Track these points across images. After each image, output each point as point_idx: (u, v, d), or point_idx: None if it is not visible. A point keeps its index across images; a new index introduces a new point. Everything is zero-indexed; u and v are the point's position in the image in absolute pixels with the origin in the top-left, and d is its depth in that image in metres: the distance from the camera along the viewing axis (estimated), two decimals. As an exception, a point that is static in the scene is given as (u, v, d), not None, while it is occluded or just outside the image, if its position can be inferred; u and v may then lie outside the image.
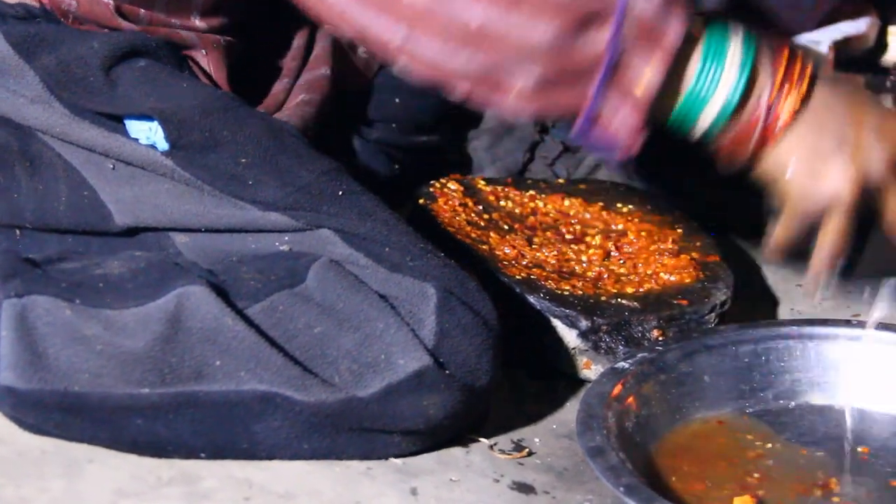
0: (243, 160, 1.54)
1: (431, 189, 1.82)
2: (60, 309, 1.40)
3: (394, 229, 1.52)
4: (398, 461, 1.46)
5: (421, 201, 1.79)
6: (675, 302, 1.66)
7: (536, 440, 1.53)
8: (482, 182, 1.88)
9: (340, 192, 1.54)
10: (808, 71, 1.38)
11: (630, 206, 1.86)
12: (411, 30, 1.36)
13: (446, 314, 1.44)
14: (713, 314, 1.68)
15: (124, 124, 1.56)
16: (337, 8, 1.40)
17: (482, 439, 1.51)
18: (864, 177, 1.37)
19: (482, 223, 1.78)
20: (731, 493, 1.41)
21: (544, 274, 1.70)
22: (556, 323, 1.62)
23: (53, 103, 1.57)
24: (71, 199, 1.59)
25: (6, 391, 1.39)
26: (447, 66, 1.38)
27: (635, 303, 1.65)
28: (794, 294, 1.85)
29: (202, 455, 1.42)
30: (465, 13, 1.33)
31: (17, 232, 1.63)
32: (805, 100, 1.37)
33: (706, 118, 1.40)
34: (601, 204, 1.86)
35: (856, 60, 2.25)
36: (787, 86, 1.37)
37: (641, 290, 1.70)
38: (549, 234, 1.80)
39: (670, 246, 1.78)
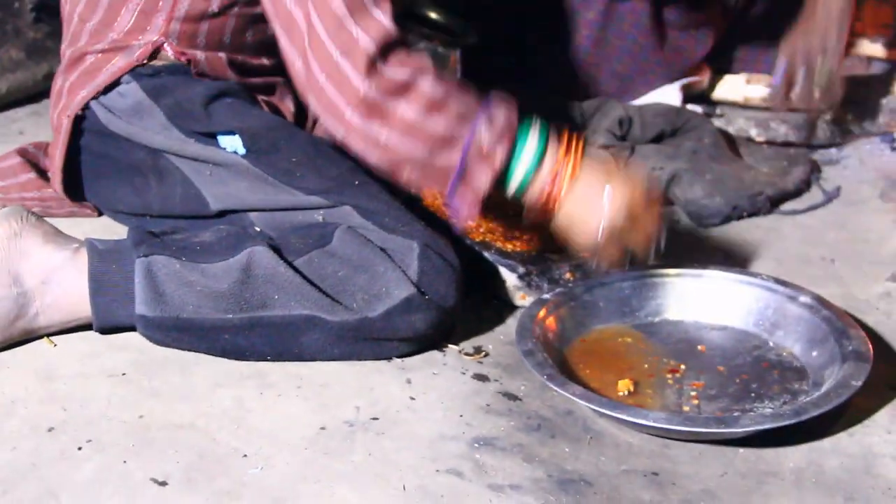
0: (294, 160, 1.55)
1: None
2: (173, 264, 1.44)
3: (391, 206, 1.53)
4: (398, 361, 1.49)
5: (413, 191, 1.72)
6: (580, 254, 1.63)
7: (490, 346, 1.55)
8: None
9: (357, 182, 1.55)
10: (579, 151, 1.45)
11: None
12: (346, 133, 1.44)
13: (425, 260, 1.47)
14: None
15: (217, 139, 1.58)
16: (310, 102, 1.47)
17: (452, 346, 1.54)
18: (616, 220, 1.45)
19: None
20: (616, 377, 1.46)
21: (494, 237, 1.70)
22: (503, 269, 1.64)
23: (172, 129, 1.59)
24: (183, 195, 1.62)
25: (140, 318, 1.43)
26: (367, 158, 1.46)
27: (555, 256, 1.66)
28: (657, 247, 1.88)
29: (268, 358, 1.46)
30: (378, 134, 1.42)
31: (147, 218, 1.67)
32: (578, 171, 1.45)
33: (513, 185, 1.47)
34: None
35: (697, 97, 2.28)
36: (565, 163, 1.45)
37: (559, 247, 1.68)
38: (498, 210, 1.73)
39: None
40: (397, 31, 1.43)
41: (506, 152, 1.44)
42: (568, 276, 1.65)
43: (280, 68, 1.64)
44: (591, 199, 1.45)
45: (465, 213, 1.47)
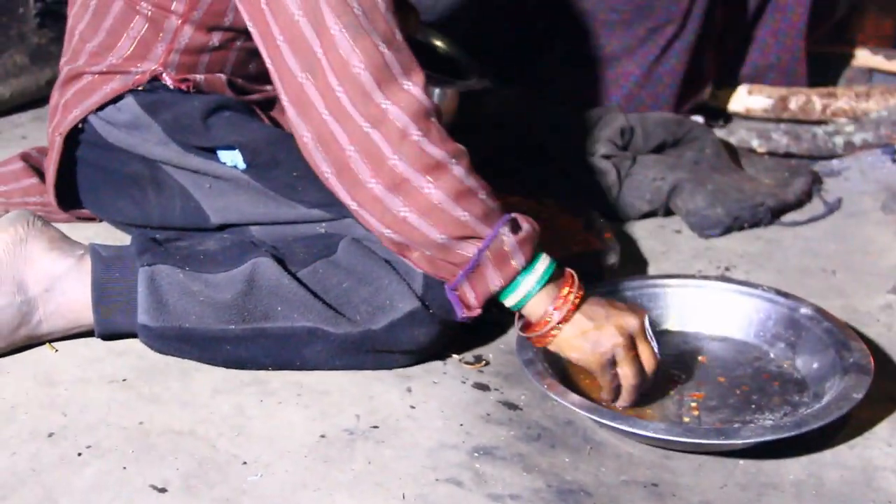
0: (295, 174, 1.53)
1: None
2: (176, 273, 1.43)
3: None
4: (398, 369, 1.48)
5: None
6: (582, 264, 1.58)
7: (490, 355, 1.55)
8: None
9: None
10: (580, 292, 1.38)
11: (552, 200, 1.85)
12: (362, 202, 1.37)
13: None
14: (607, 272, 1.70)
15: (216, 153, 1.57)
16: (329, 181, 1.39)
17: (454, 355, 1.53)
18: (612, 348, 1.37)
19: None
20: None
21: None
22: (503, 279, 1.66)
23: (171, 143, 1.57)
24: (183, 208, 1.60)
25: (142, 327, 1.43)
26: (378, 231, 1.38)
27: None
28: (659, 258, 1.86)
29: (270, 369, 1.45)
30: (398, 209, 1.35)
31: (147, 230, 1.64)
32: (577, 308, 1.37)
33: (516, 297, 1.39)
34: (534, 200, 1.84)
35: (699, 107, 2.30)
36: (566, 299, 1.37)
37: (560, 256, 1.60)
38: None
39: (579, 227, 1.79)
40: (431, 104, 1.35)
41: (524, 261, 1.38)
42: (569, 285, 1.65)
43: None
44: (587, 331, 1.38)
45: (467, 306, 1.41)
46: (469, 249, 1.37)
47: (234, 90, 1.64)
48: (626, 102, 2.20)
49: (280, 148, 1.55)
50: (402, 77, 1.34)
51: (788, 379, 1.50)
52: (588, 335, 1.37)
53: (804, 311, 1.55)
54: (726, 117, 2.37)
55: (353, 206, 1.39)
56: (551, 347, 1.41)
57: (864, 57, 2.49)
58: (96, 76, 1.61)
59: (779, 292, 1.59)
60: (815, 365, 1.48)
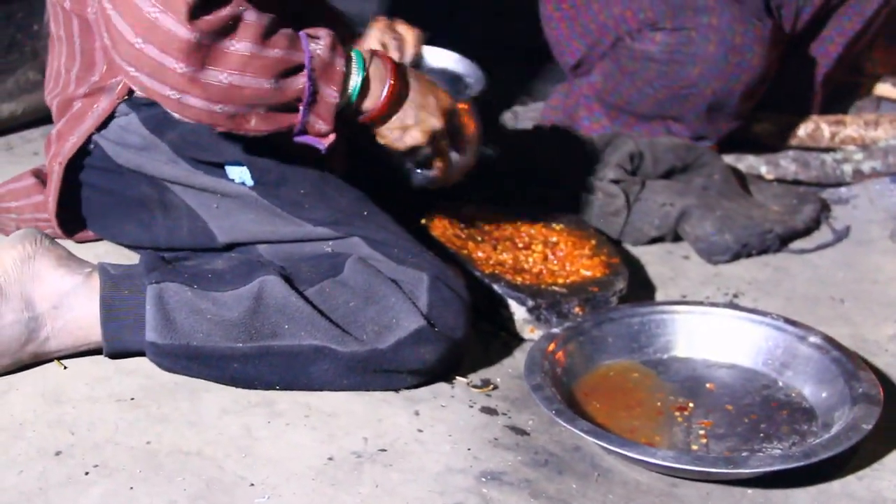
0: (302, 191, 1.54)
1: (430, 212, 1.79)
2: (184, 291, 1.43)
3: (400, 236, 1.53)
4: (406, 392, 1.48)
5: (423, 221, 1.77)
6: (590, 289, 1.67)
7: (498, 379, 1.54)
8: (465, 208, 1.84)
9: (365, 213, 1.54)
10: (400, 69, 1.50)
11: (561, 225, 1.85)
12: (182, 90, 1.38)
13: (435, 292, 1.46)
14: (615, 297, 1.69)
15: (225, 169, 1.56)
16: (128, 73, 1.40)
17: (461, 378, 1.53)
18: (430, 131, 1.52)
19: (463, 236, 1.77)
20: (625, 413, 1.45)
21: (504, 270, 1.70)
22: (512, 302, 1.64)
23: (179, 161, 1.57)
24: (190, 228, 1.59)
25: (150, 345, 1.42)
26: (210, 115, 1.40)
27: (564, 289, 1.67)
28: (667, 284, 1.86)
29: (277, 387, 1.45)
30: (218, 79, 1.37)
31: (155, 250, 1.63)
32: (400, 87, 1.49)
33: (347, 93, 1.46)
34: (542, 223, 1.84)
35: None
36: (388, 79, 1.48)
37: (568, 281, 1.71)
38: (507, 243, 1.78)
39: (587, 252, 1.78)
40: None
41: (343, 61, 1.44)
42: (577, 310, 1.65)
43: None
44: (413, 105, 1.50)
45: (320, 135, 1.46)
46: (300, 79, 1.41)
47: None
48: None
49: (286, 166, 1.55)
50: None
51: (797, 408, 1.49)
52: (416, 106, 1.51)
53: (813, 339, 1.54)
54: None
55: (174, 96, 1.39)
56: (389, 123, 1.51)
57: (882, 88, 2.49)
58: (84, 99, 1.61)
59: (787, 320, 1.58)
60: (824, 394, 1.48)
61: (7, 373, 1.44)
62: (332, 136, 1.45)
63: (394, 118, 1.51)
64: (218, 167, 1.57)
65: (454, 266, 1.56)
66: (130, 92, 1.57)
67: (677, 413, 1.47)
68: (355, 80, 1.46)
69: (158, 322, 1.42)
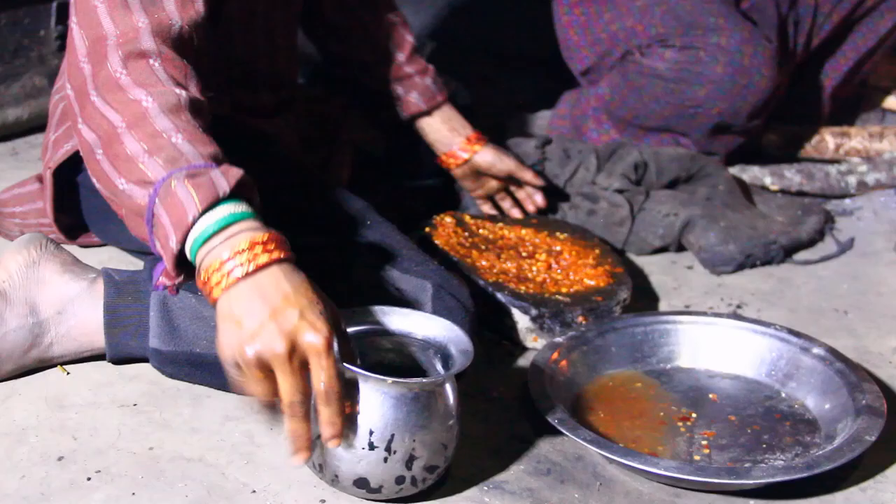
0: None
1: (433, 221, 1.81)
2: (188, 298, 1.42)
3: (404, 246, 1.52)
4: None
5: (426, 230, 1.78)
6: (593, 298, 1.67)
7: (501, 388, 1.54)
8: (468, 217, 1.86)
9: (370, 222, 1.54)
10: (273, 256, 1.14)
11: (565, 234, 1.85)
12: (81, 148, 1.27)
13: (438, 301, 1.45)
14: (618, 306, 1.69)
15: None
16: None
17: (464, 387, 1.45)
18: (266, 351, 1.13)
19: (467, 244, 1.77)
20: (627, 423, 1.45)
21: (508, 279, 1.70)
22: (515, 311, 1.64)
23: None
24: None
25: (154, 351, 1.42)
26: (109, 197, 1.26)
27: (567, 298, 1.67)
28: (670, 294, 1.86)
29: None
30: (111, 180, 1.22)
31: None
32: (262, 268, 1.13)
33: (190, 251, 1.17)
34: (546, 233, 1.85)
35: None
36: (252, 252, 1.13)
37: (572, 290, 1.71)
38: (511, 252, 1.80)
39: (591, 261, 1.79)
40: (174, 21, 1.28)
41: (197, 206, 1.14)
42: (580, 319, 1.65)
43: (279, 106, 1.65)
44: (239, 312, 1.13)
45: (167, 275, 1.21)
46: (140, 194, 1.18)
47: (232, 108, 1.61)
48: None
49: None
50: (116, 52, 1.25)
51: (800, 419, 1.49)
52: (248, 317, 1.11)
53: (816, 350, 1.54)
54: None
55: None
56: (215, 305, 1.15)
57: (888, 100, 2.49)
58: None
59: (791, 331, 1.58)
60: (827, 406, 1.47)
61: (10, 378, 1.44)
62: (176, 280, 1.20)
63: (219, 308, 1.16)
64: None
65: (458, 275, 1.55)
66: None
67: (680, 423, 1.47)
68: (195, 234, 1.16)
69: (162, 329, 1.42)
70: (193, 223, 1.15)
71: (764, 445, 1.42)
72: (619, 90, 2.20)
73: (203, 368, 1.43)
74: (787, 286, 1.91)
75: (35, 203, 1.77)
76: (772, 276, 1.94)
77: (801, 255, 2.02)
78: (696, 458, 1.40)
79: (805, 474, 1.30)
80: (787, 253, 1.99)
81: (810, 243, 2.05)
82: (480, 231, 1.83)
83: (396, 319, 1.34)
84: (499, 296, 1.65)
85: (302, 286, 1.15)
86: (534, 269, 1.76)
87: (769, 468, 1.32)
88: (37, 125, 2.32)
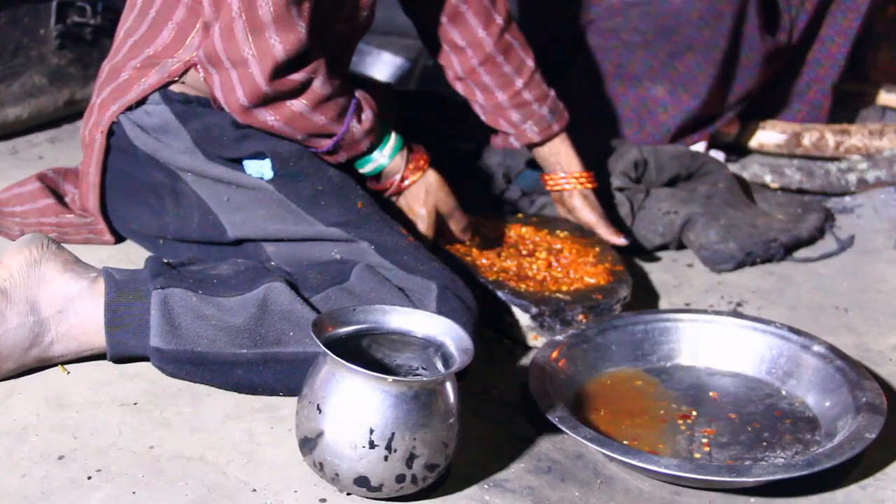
0: (319, 188, 1.56)
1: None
2: (189, 297, 1.43)
3: (409, 245, 1.53)
4: None
5: None
6: (593, 296, 1.67)
7: (501, 386, 1.54)
8: (469, 216, 1.79)
9: (377, 218, 1.55)
10: (424, 163, 1.69)
11: (566, 232, 1.85)
12: (233, 109, 1.55)
13: (443, 301, 1.46)
14: (619, 304, 1.69)
15: (242, 164, 1.58)
16: (202, 63, 1.56)
17: (465, 386, 1.48)
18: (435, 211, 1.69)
19: (468, 243, 1.78)
20: (628, 421, 1.45)
21: (508, 277, 1.71)
22: (516, 309, 1.64)
23: (196, 152, 1.59)
24: (200, 220, 1.61)
25: (154, 350, 1.42)
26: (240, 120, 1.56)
27: (568, 297, 1.67)
28: (671, 292, 1.86)
29: (280, 394, 1.45)
30: (265, 118, 1.56)
31: (161, 241, 1.67)
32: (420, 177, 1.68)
33: (368, 167, 1.66)
34: (546, 231, 1.85)
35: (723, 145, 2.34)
36: (411, 168, 1.67)
37: (572, 288, 1.71)
38: (511, 250, 1.80)
39: (591, 259, 1.79)
40: (307, 39, 1.53)
41: (370, 144, 1.63)
42: (581, 317, 1.65)
43: None
44: (416, 197, 1.68)
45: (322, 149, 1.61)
46: (324, 142, 1.60)
47: None
48: (656, 129, 2.19)
49: (307, 161, 1.58)
50: (297, 18, 1.51)
51: (800, 417, 1.48)
52: (428, 196, 1.69)
53: (817, 348, 1.54)
54: (740, 151, 2.36)
55: (222, 101, 1.58)
56: (400, 202, 1.71)
57: (887, 98, 2.49)
58: (133, 71, 1.64)
59: (791, 329, 1.58)
60: (828, 403, 1.47)
61: (11, 377, 1.44)
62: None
63: (400, 199, 1.71)
64: (235, 162, 1.59)
65: (463, 276, 1.55)
66: (182, 74, 1.61)
67: (680, 421, 1.47)
68: (372, 166, 1.66)
69: (163, 327, 1.42)
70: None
71: (764, 443, 1.42)
72: (599, 48, 2.20)
73: (204, 367, 1.43)
74: (788, 284, 1.91)
75: (36, 202, 1.78)
76: (772, 274, 1.94)
77: (802, 253, 2.02)
78: (697, 455, 1.40)
79: (805, 472, 1.30)
80: (788, 251, 2.00)
81: (810, 241, 2.05)
82: (481, 229, 1.83)
83: (397, 318, 1.34)
84: (499, 294, 1.66)
85: (443, 182, 1.72)
86: (534, 267, 1.77)
87: (769, 466, 1.32)
88: (37, 124, 2.32)
